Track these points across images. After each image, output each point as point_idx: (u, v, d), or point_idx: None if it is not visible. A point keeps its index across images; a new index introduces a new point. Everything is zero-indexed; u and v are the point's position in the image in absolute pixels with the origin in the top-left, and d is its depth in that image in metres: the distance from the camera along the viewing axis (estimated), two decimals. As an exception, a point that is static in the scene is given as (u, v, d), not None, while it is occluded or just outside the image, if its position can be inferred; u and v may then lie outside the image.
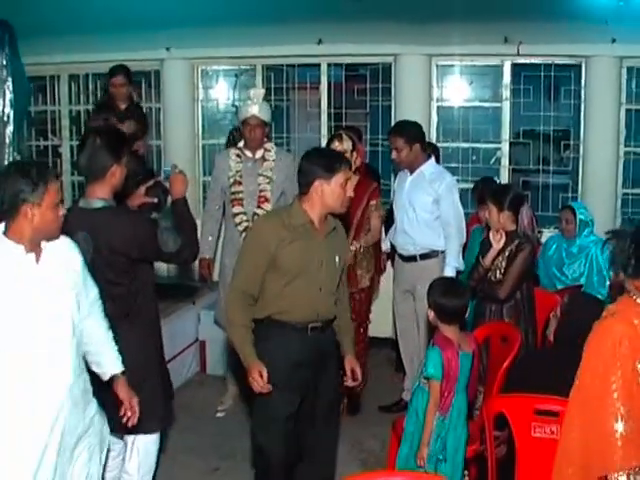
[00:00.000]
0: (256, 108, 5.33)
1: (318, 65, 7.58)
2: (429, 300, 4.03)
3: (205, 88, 7.94)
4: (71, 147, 8.07)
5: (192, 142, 7.84)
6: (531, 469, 3.46)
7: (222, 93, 8.15)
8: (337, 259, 3.86)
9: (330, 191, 3.71)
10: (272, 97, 7.67)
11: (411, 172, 5.54)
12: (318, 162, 3.76)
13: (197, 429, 5.48)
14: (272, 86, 7.66)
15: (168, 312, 6.18)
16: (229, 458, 5.06)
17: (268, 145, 5.54)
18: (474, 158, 7.45)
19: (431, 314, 4.00)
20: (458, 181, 6.65)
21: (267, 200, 5.45)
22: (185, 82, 7.77)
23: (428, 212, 5.46)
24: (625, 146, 7.08)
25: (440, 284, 4.11)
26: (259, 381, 3.69)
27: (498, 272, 4.72)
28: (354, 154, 5.43)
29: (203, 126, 7.94)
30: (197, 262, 5.78)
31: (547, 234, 6.61)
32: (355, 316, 5.62)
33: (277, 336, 3.78)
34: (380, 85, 7.46)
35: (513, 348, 4.26)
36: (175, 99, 7.73)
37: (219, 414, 5.75)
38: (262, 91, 5.61)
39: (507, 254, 4.70)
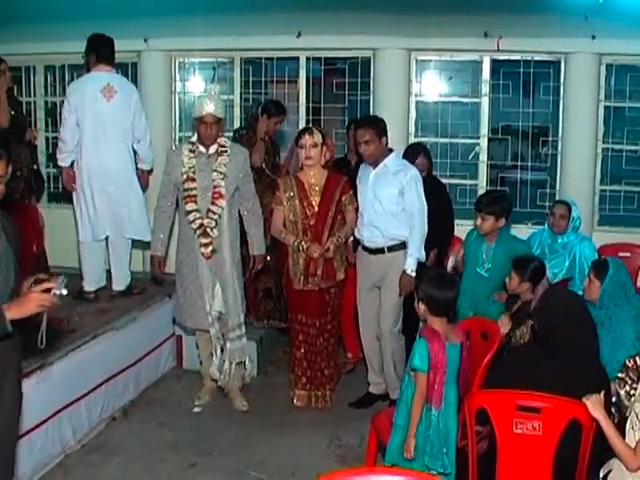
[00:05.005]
0: (212, 106, 5.25)
1: (297, 59, 7.53)
2: (419, 293, 4.02)
3: (182, 80, 7.86)
4: (46, 139, 7.97)
5: (168, 134, 7.74)
6: (512, 465, 3.45)
7: (200, 86, 8.05)
8: None
9: None
10: (250, 90, 7.66)
11: (374, 166, 5.53)
12: None
13: (174, 424, 5.41)
14: (250, 79, 7.62)
15: (144, 306, 6.13)
16: (206, 454, 4.99)
17: (222, 140, 5.42)
18: (452, 153, 7.45)
19: (421, 307, 3.99)
20: (437, 176, 6.65)
21: (222, 196, 5.31)
22: (162, 74, 7.67)
23: (394, 204, 5.44)
24: (603, 143, 7.10)
25: (431, 276, 4.11)
26: None
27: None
28: (324, 148, 5.46)
29: (180, 119, 7.85)
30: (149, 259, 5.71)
31: (525, 230, 6.58)
32: (330, 310, 5.62)
33: None
34: (359, 79, 7.42)
35: (493, 344, 4.27)
36: (152, 91, 7.59)
37: (196, 409, 5.68)
38: (218, 87, 5.55)
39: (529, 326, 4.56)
